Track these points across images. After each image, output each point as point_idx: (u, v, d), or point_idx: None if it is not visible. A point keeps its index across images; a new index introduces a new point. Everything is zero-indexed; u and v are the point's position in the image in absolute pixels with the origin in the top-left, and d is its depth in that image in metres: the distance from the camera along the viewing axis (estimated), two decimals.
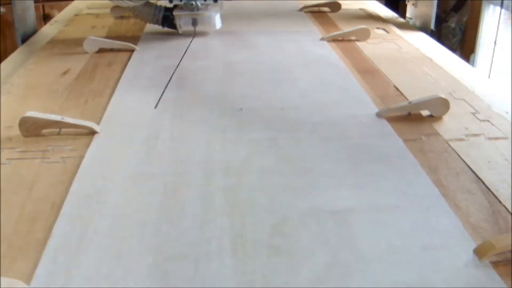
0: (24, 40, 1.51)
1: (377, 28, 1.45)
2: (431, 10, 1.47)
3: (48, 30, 1.58)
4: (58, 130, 0.88)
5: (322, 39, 1.33)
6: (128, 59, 1.22)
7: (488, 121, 0.88)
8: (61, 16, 1.74)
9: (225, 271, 0.54)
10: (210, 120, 0.89)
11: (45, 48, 1.36)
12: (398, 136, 0.83)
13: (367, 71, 1.11)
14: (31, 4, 1.59)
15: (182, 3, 1.31)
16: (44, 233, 0.63)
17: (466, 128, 0.86)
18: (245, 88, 1.03)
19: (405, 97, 0.98)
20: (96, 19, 1.64)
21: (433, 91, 0.98)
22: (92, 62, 1.22)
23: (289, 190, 0.68)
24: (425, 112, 0.90)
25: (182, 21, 1.34)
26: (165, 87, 1.02)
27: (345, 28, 1.42)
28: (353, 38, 1.32)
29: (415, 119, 0.89)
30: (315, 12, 1.64)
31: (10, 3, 2.55)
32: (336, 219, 0.62)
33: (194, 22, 1.34)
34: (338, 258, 0.56)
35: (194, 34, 1.34)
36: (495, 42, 1.68)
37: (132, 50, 1.28)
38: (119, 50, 1.29)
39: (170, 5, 1.35)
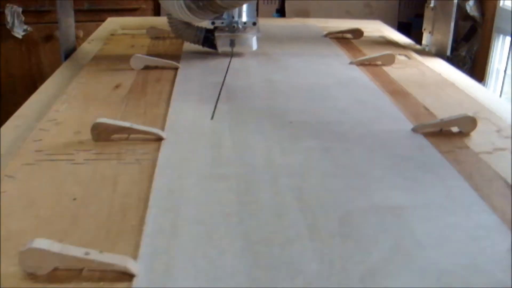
0: (67, 56, 1.62)
1: (399, 54, 1.57)
2: (448, 38, 1.59)
3: (87, 47, 1.69)
4: (127, 135, 0.98)
5: (351, 63, 1.44)
6: (174, 76, 1.33)
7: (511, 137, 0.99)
8: (96, 36, 1.85)
9: (307, 253, 0.64)
10: (265, 131, 1.00)
11: (92, 64, 1.46)
12: (435, 148, 0.93)
13: (397, 93, 1.22)
14: (72, 23, 1.70)
15: (223, 25, 1.42)
16: (136, 221, 0.72)
17: (493, 143, 0.97)
18: (290, 104, 1.14)
19: (435, 116, 1.08)
20: (132, 39, 1.75)
21: (459, 111, 1.09)
22: (140, 78, 1.33)
23: (348, 190, 0.79)
24: (454, 129, 1.01)
25: (222, 41, 1.45)
26: (217, 101, 1.13)
27: (369, 53, 1.54)
28: (379, 62, 1.44)
29: (447, 134, 1.00)
30: (339, 38, 1.76)
31: (37, 23, 2.69)
32: (393, 214, 0.72)
33: (232, 43, 1.45)
34: (399, 243, 0.66)
35: (232, 54, 1.45)
36: (505, 71, 1.79)
37: (176, 68, 1.39)
38: (163, 68, 1.39)
39: (211, 27, 1.46)
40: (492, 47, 1.94)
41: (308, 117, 1.06)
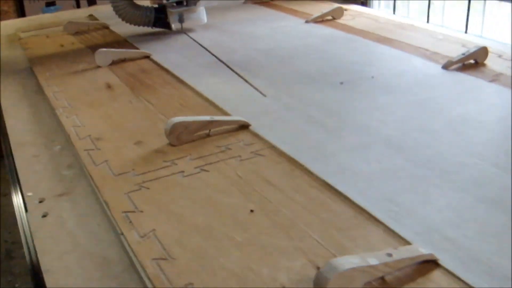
0: None
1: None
2: None
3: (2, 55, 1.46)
4: (207, 131, 0.85)
5: (307, 21, 1.48)
6: (155, 64, 1.22)
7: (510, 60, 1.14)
8: None
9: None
10: (332, 94, 1.00)
11: (39, 71, 1.23)
12: (481, 79, 1.04)
13: (382, 40, 1.29)
14: None
15: (174, 0, 1.36)
16: (349, 211, 0.65)
17: (508, 66, 1.10)
18: (313, 67, 1.14)
19: (440, 54, 1.18)
20: (50, 38, 1.53)
21: (448, 46, 1.21)
22: (122, 73, 1.17)
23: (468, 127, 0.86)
24: (471, 61, 1.12)
25: (174, 18, 1.39)
26: (245, 79, 1.09)
27: (301, 10, 1.59)
28: (329, 18, 1.50)
29: (471, 66, 1.10)
30: (261, 2, 1.77)
31: None
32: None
33: (181, 18, 1.39)
34: None
35: (182, 30, 1.39)
36: None
37: (146, 56, 1.28)
38: (131, 59, 1.27)
39: (155, 5, 1.38)
40: None
41: (349, 77, 1.08)
